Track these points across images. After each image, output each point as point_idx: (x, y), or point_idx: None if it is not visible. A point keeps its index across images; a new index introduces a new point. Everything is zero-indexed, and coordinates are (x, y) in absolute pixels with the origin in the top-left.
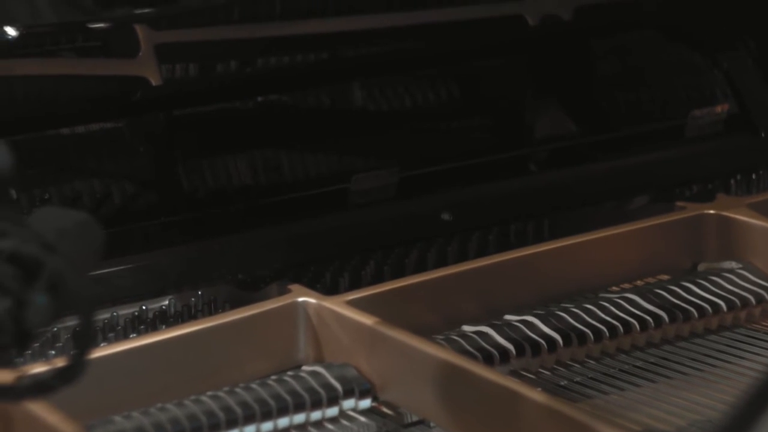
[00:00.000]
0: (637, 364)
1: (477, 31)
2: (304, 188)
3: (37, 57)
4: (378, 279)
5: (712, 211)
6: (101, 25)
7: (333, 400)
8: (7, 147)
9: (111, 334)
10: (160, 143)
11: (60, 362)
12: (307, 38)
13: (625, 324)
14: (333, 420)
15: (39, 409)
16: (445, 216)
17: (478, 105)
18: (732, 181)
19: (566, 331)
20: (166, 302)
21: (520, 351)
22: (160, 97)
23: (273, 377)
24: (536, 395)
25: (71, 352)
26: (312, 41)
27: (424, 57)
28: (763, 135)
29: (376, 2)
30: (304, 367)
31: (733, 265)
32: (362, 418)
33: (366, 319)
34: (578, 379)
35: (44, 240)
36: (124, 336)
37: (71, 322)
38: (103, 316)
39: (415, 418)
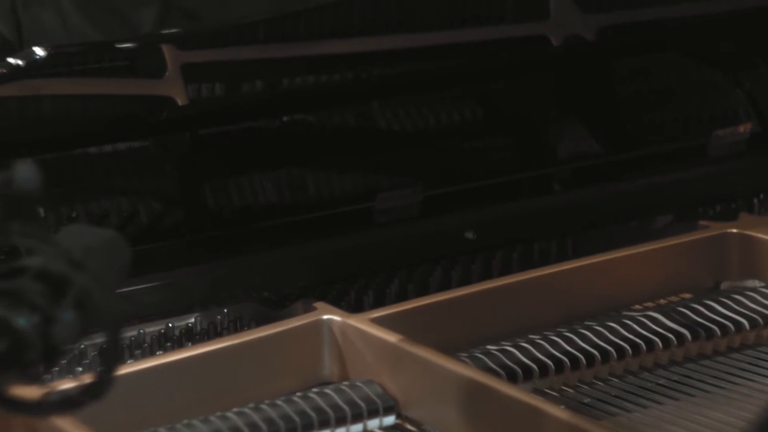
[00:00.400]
0: (660, 381)
1: (501, 50)
2: (329, 207)
3: (65, 77)
4: (402, 297)
5: (735, 230)
6: (128, 45)
7: (357, 417)
8: (35, 166)
9: (138, 351)
10: (186, 162)
11: (87, 378)
12: (332, 58)
13: (648, 342)
14: None
15: (66, 424)
16: (469, 234)
17: (501, 124)
18: (755, 200)
19: (589, 349)
20: (192, 320)
21: (544, 369)
22: (186, 117)
23: (298, 394)
24: (560, 412)
25: (98, 369)
26: (337, 61)
27: (449, 76)
28: None
29: (400, 22)
30: (329, 384)
31: (756, 283)
32: None
33: (390, 337)
34: (601, 396)
35: (72, 257)
36: (151, 353)
37: (98, 338)
38: (130, 333)
39: None
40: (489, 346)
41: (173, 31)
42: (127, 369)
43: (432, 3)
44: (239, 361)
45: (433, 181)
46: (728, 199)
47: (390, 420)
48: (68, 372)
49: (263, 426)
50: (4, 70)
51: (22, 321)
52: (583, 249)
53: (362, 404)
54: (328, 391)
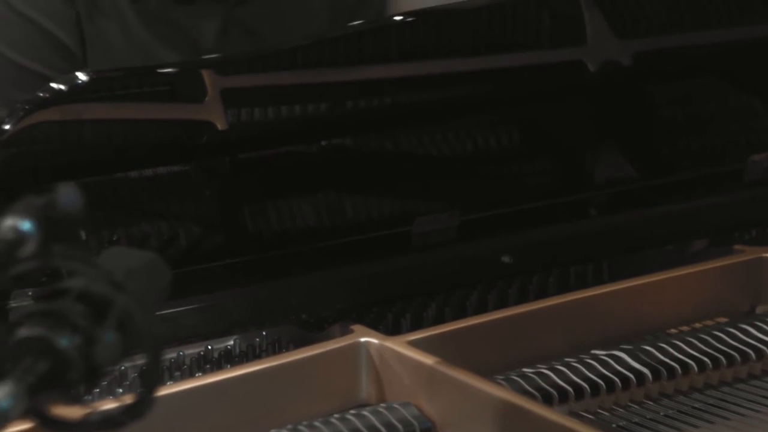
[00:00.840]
0: (696, 405)
1: (538, 76)
2: (367, 231)
3: (106, 102)
4: (439, 320)
5: None
6: (169, 70)
7: None
8: (77, 189)
9: (177, 373)
10: (226, 186)
11: (128, 399)
12: (370, 83)
13: (684, 365)
14: None
15: None
16: (506, 259)
17: (538, 149)
18: None
19: (625, 372)
20: (231, 342)
21: (579, 391)
22: (226, 141)
23: (336, 416)
24: None
25: (138, 390)
26: (375, 86)
27: (486, 102)
28: None
29: (439, 48)
30: (367, 406)
31: None
32: None
33: (427, 359)
34: (637, 419)
35: (113, 279)
36: (190, 375)
37: (139, 360)
38: (170, 355)
39: None
40: (525, 369)
41: (213, 56)
42: (166, 390)
43: (469, 29)
44: (277, 383)
45: (470, 206)
46: (764, 224)
47: None
48: (109, 393)
49: None
50: (47, 95)
51: (64, 342)
52: (619, 273)
53: (399, 426)
54: (365, 413)
